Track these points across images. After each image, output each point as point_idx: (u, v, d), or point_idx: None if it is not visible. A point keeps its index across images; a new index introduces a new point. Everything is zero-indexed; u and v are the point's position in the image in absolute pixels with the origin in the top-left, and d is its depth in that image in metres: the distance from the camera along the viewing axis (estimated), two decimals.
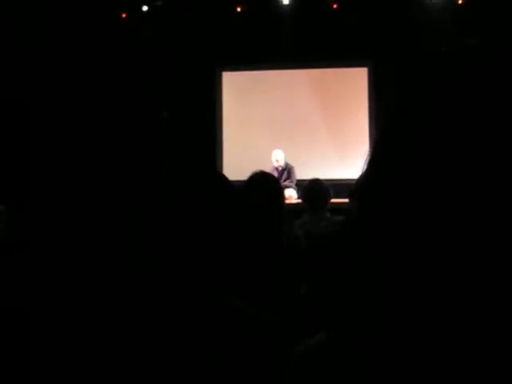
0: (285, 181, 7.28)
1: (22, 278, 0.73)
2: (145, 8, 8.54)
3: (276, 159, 7.51)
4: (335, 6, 8.56)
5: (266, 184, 2.46)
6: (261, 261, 2.04)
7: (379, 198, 0.51)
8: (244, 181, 2.48)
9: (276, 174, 7.13)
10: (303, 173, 7.47)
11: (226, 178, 1.15)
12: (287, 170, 7.53)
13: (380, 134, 0.54)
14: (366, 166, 0.54)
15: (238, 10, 8.73)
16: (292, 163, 7.63)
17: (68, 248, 0.69)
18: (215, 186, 1.08)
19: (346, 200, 4.61)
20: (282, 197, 2.60)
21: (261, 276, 1.96)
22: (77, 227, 0.67)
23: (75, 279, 0.72)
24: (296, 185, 7.28)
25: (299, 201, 5.36)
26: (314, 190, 3.73)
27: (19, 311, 0.76)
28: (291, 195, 6.80)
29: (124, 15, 8.52)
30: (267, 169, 6.31)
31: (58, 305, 0.74)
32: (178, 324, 0.80)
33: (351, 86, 8.95)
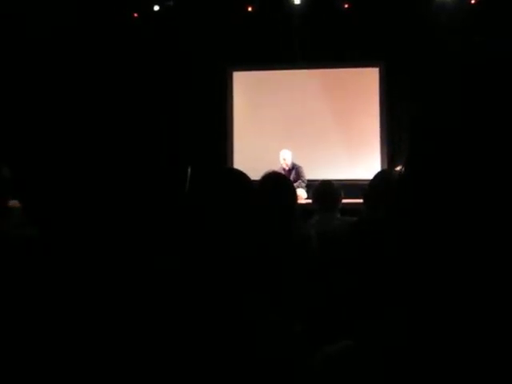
0: (295, 181, 7.27)
1: (39, 275, 0.74)
2: (156, 8, 8.56)
3: (283, 158, 7.52)
4: (346, 6, 8.54)
5: (279, 184, 2.46)
6: (272, 260, 2.04)
7: (420, 196, 0.51)
8: (255, 180, 2.48)
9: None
10: (313, 173, 7.45)
11: (245, 177, 1.15)
12: (295, 170, 7.52)
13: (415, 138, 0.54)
14: (404, 166, 0.54)
15: (249, 9, 8.74)
16: (302, 163, 7.61)
17: (87, 246, 0.69)
18: (237, 185, 1.08)
19: (356, 200, 4.59)
20: (295, 197, 2.60)
21: (271, 275, 1.96)
22: (97, 225, 0.67)
23: (95, 278, 0.72)
24: (306, 185, 7.27)
25: (309, 201, 5.35)
26: (325, 191, 3.72)
27: (36, 307, 0.76)
28: (300, 195, 6.79)
29: (136, 15, 8.55)
30: (277, 169, 6.32)
31: (75, 302, 0.74)
32: (198, 325, 0.79)
33: (362, 86, 8.92)
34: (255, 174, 2.60)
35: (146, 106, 7.74)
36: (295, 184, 7.09)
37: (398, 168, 4.26)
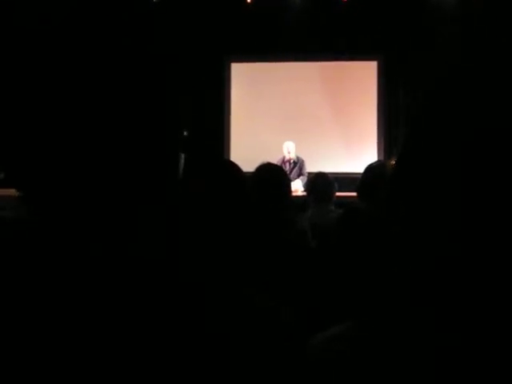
0: (299, 176, 7.22)
1: (37, 264, 0.74)
2: None
3: (288, 151, 7.43)
4: None
5: (272, 175, 2.46)
6: (265, 252, 2.04)
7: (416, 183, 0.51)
8: (251, 172, 2.48)
9: (287, 168, 7.10)
10: (311, 165, 7.45)
11: (237, 167, 1.16)
12: (299, 165, 7.42)
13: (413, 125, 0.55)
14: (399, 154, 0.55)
15: (248, 0, 8.70)
16: (300, 155, 7.58)
17: (82, 235, 0.69)
18: (228, 176, 1.08)
19: (353, 194, 4.60)
20: (289, 188, 2.60)
21: (265, 268, 1.97)
22: (91, 215, 0.67)
23: (90, 268, 0.72)
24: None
25: (305, 193, 5.36)
26: (318, 183, 3.73)
27: (34, 298, 0.76)
28: (297, 188, 6.79)
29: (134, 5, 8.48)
30: (275, 161, 6.30)
31: (72, 293, 0.75)
32: (194, 315, 0.80)
33: (361, 79, 8.91)
34: (252, 165, 2.60)
35: (142, 97, 7.70)
36: (299, 178, 7.08)
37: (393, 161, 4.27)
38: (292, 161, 7.42)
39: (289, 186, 2.60)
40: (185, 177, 0.95)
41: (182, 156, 0.84)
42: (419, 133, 0.55)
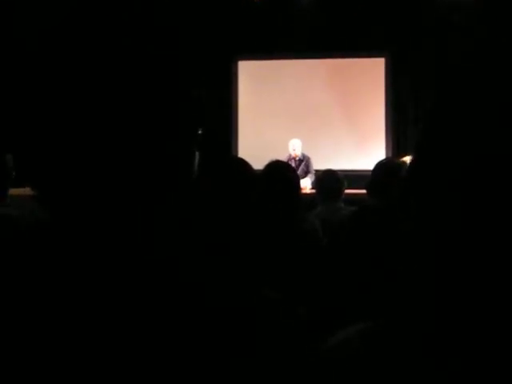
0: (305, 174, 7.21)
1: (49, 262, 0.74)
2: None
3: (293, 148, 7.43)
4: None
5: (283, 173, 2.46)
6: (276, 249, 2.04)
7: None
8: (259, 170, 2.48)
9: (292, 165, 7.09)
10: (318, 163, 7.43)
11: (249, 166, 1.16)
12: (304, 162, 7.42)
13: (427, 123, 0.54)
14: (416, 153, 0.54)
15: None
16: (308, 153, 7.56)
17: (96, 235, 0.69)
18: (240, 174, 1.08)
19: (362, 191, 4.59)
20: (299, 186, 2.60)
21: (276, 265, 1.96)
22: (106, 213, 0.67)
23: (102, 266, 0.72)
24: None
25: (314, 191, 5.34)
26: (327, 180, 3.72)
27: (46, 295, 0.76)
28: (305, 186, 6.78)
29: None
30: (282, 158, 6.28)
31: (84, 290, 0.74)
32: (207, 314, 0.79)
33: (368, 76, 8.88)
34: (259, 163, 2.60)
35: (149, 94, 7.72)
36: (307, 176, 7.07)
37: (405, 158, 4.24)
38: (298, 158, 7.41)
39: (298, 183, 2.60)
40: (199, 175, 0.95)
41: (197, 154, 0.84)
42: (435, 128, 0.54)
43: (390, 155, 8.54)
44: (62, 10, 0.76)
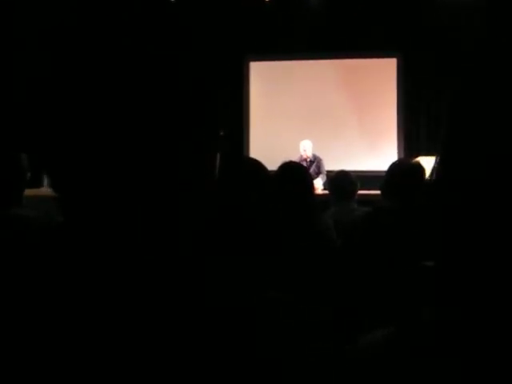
0: (316, 175, 7.20)
1: (62, 263, 0.74)
2: None
3: (304, 149, 7.44)
4: None
5: (296, 173, 2.46)
6: (291, 249, 2.04)
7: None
8: (271, 171, 2.48)
9: None
10: (330, 163, 7.42)
11: (264, 167, 1.15)
12: (316, 163, 7.41)
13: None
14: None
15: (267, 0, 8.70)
16: (319, 154, 7.56)
17: (119, 238, 0.69)
18: (255, 175, 1.08)
19: (374, 192, 4.57)
20: (312, 186, 2.60)
21: (292, 265, 1.96)
22: (131, 216, 0.66)
23: (124, 269, 0.72)
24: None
25: (325, 192, 5.33)
26: (340, 181, 3.71)
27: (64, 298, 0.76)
28: (317, 186, 6.77)
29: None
30: (293, 159, 6.27)
31: (103, 294, 0.75)
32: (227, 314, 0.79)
33: (380, 77, 8.86)
34: (271, 164, 2.60)
35: (161, 96, 7.74)
36: (319, 177, 7.06)
37: (418, 159, 4.22)
38: (308, 159, 7.41)
39: (312, 184, 2.60)
40: (220, 177, 0.95)
41: (218, 156, 0.84)
42: (461, 126, 0.53)
43: (402, 156, 8.50)
44: (67, 10, 0.76)
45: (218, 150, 0.83)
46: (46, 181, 5.48)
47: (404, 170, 2.61)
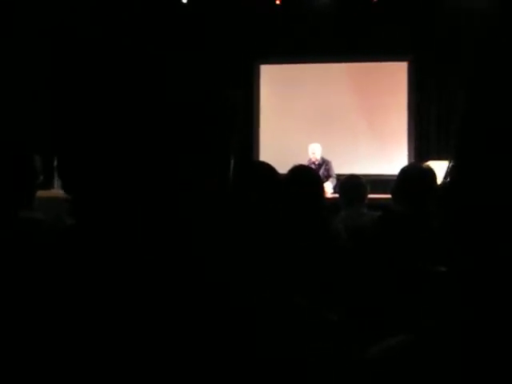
0: (325, 178, 7.19)
1: (73, 264, 0.74)
2: (184, 0, 8.58)
3: (312, 152, 7.44)
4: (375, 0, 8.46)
5: (307, 177, 2.46)
6: (302, 253, 2.04)
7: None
8: (281, 174, 2.48)
9: None
10: (340, 167, 7.40)
11: (275, 171, 1.15)
12: (324, 166, 7.41)
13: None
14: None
15: (277, 2, 8.70)
16: (329, 157, 7.54)
17: (133, 242, 0.69)
18: (267, 179, 1.08)
19: (385, 196, 4.55)
20: (323, 191, 2.59)
21: (303, 268, 1.96)
22: (147, 220, 0.66)
23: (136, 270, 0.72)
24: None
25: (335, 195, 5.31)
26: (350, 185, 3.70)
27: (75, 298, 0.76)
28: (327, 190, 6.75)
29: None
30: (303, 162, 6.27)
31: (115, 295, 0.75)
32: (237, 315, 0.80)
33: (390, 80, 8.83)
34: (281, 167, 2.60)
35: (171, 98, 7.76)
36: (328, 181, 7.05)
37: (429, 163, 4.20)
38: (317, 162, 7.39)
39: (322, 188, 2.60)
40: (234, 181, 0.95)
41: (232, 160, 0.84)
42: (474, 130, 0.53)
43: (412, 160, 8.47)
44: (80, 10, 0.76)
45: (230, 153, 0.83)
46: (56, 183, 5.51)
47: (415, 174, 2.59)
